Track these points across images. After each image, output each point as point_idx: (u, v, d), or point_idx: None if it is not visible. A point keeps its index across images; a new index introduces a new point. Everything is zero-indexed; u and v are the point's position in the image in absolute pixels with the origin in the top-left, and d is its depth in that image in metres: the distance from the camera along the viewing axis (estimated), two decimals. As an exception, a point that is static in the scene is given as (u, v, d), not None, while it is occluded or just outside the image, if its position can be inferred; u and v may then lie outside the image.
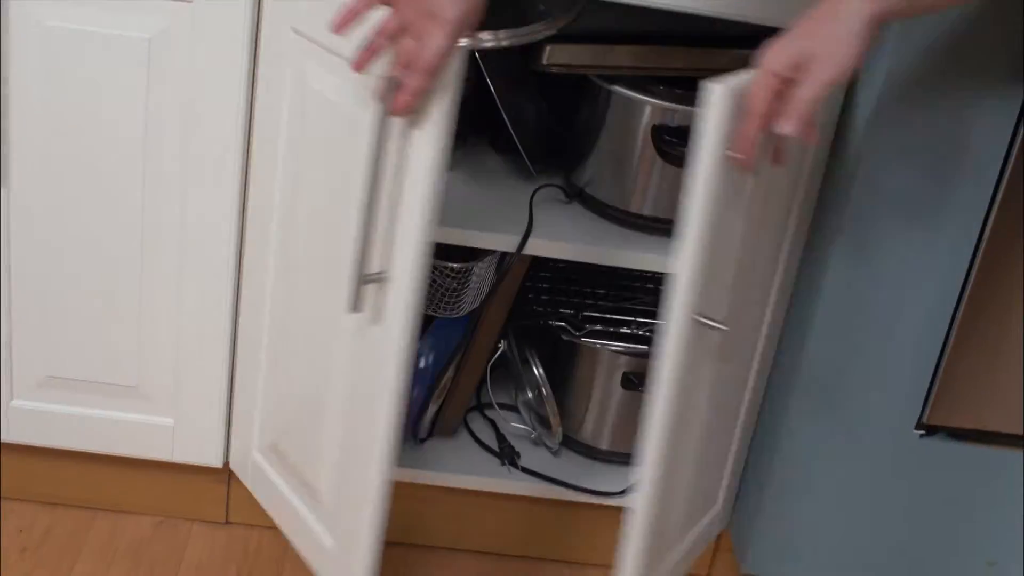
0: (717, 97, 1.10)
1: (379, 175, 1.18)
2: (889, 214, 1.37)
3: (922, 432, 1.50)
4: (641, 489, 1.26)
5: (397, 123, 1.16)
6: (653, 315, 1.62)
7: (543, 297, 1.65)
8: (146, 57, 1.37)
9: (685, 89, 1.46)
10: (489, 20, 1.47)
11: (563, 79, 1.51)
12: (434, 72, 1.10)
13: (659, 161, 1.49)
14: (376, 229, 1.20)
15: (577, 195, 1.57)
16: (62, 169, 1.43)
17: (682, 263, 1.17)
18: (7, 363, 1.53)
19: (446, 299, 1.53)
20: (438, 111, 1.13)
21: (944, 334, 1.44)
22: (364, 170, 1.18)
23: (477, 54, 1.46)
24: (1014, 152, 1.33)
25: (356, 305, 1.21)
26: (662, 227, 1.53)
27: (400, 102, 1.12)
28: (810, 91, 1.08)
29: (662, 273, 1.64)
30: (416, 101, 1.12)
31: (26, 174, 1.43)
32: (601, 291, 1.65)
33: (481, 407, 1.75)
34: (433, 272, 1.51)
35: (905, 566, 1.59)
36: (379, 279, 1.21)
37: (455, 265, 1.50)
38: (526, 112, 1.56)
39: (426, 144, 1.14)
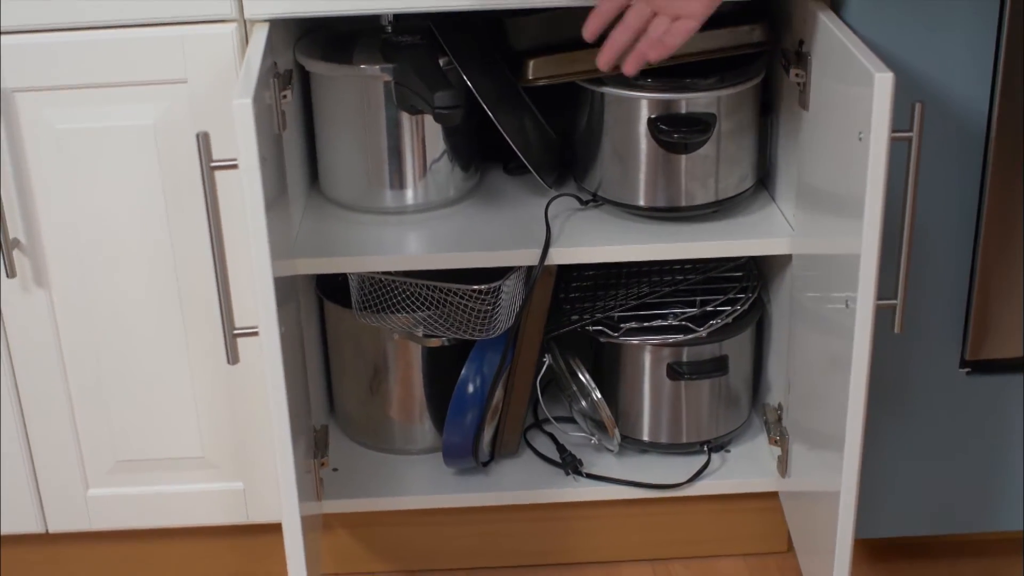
0: (883, 84, 1.16)
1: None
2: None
3: (967, 369, 1.51)
4: (847, 470, 1.31)
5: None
6: (687, 305, 1.65)
7: (577, 306, 1.68)
8: (153, 140, 1.43)
9: (672, 77, 1.49)
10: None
11: (555, 90, 1.55)
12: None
13: (661, 152, 1.52)
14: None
15: (591, 200, 1.60)
16: (95, 261, 1.49)
17: (866, 249, 1.23)
18: (78, 456, 1.59)
19: (480, 321, 1.56)
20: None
21: (970, 266, 1.45)
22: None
23: (469, 82, 1.51)
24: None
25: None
26: (678, 215, 1.56)
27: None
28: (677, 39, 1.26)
29: (686, 261, 1.68)
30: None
31: (63, 273, 1.50)
32: (631, 290, 1.68)
33: (539, 424, 1.78)
34: (463, 298, 1.55)
35: (972, 506, 1.59)
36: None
37: (481, 287, 1.54)
38: (526, 130, 1.60)
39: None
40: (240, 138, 1.15)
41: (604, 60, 1.32)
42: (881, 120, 1.16)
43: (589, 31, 1.32)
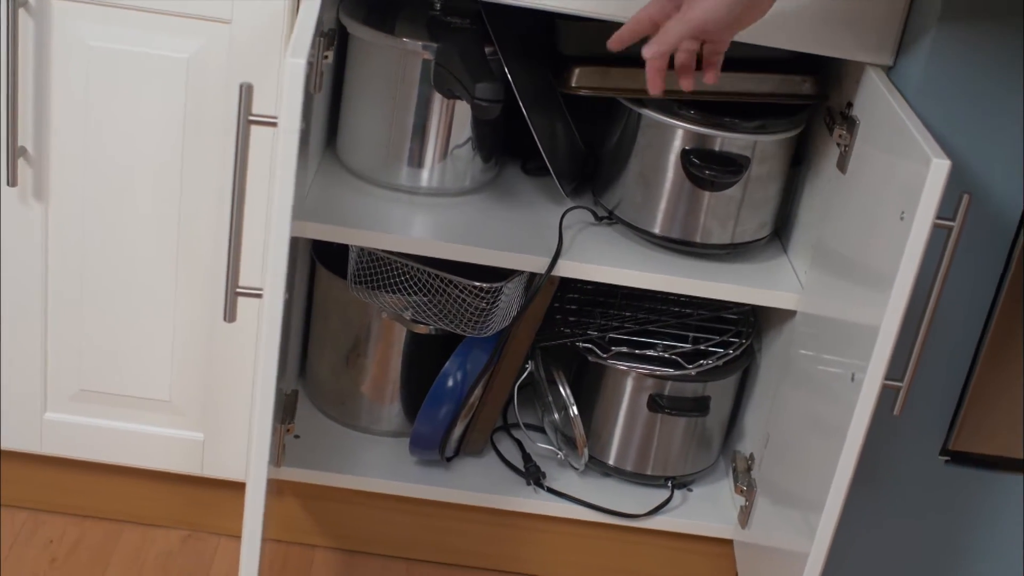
0: (939, 170, 1.15)
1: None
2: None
3: (947, 458, 1.50)
4: (819, 536, 1.31)
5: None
6: (679, 338, 1.64)
7: (570, 319, 1.66)
8: (184, 76, 1.39)
9: (713, 113, 1.47)
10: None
11: (591, 101, 1.53)
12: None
13: (688, 184, 1.50)
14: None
15: (606, 217, 1.59)
16: (100, 185, 1.45)
17: (886, 327, 1.21)
18: (42, 377, 1.55)
19: (474, 318, 1.54)
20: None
21: (971, 359, 1.45)
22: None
23: (510, 77, 1.48)
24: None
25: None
26: (690, 250, 1.55)
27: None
28: (675, 25, 1.18)
29: (689, 296, 1.67)
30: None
31: (65, 190, 1.46)
32: (628, 313, 1.66)
33: (508, 427, 1.76)
34: (462, 292, 1.52)
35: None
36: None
37: (484, 285, 1.51)
38: (556, 134, 1.58)
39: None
40: (287, 98, 1.11)
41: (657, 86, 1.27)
42: (929, 205, 1.15)
43: (615, 42, 1.26)
